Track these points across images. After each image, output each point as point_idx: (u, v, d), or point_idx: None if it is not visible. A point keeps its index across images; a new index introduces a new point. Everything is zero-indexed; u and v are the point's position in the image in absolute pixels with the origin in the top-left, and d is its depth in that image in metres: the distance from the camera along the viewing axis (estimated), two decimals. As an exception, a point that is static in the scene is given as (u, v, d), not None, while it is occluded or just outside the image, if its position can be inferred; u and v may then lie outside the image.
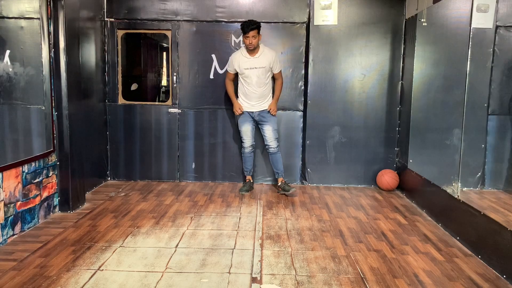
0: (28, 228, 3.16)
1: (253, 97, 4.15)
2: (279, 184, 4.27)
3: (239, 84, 4.25)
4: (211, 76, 4.59)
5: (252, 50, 4.07)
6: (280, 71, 4.23)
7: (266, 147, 4.29)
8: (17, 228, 3.03)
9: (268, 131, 4.21)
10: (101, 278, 2.42)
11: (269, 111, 4.19)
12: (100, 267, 2.56)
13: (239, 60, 4.12)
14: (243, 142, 4.31)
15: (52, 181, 3.50)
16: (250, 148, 4.31)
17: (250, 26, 3.94)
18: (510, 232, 2.47)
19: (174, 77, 4.60)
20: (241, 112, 4.18)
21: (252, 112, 4.21)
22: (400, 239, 3.10)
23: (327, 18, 4.43)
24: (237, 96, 4.29)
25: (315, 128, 4.56)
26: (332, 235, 3.17)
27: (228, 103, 4.59)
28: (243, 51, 4.15)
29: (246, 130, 4.25)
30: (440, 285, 2.42)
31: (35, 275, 2.43)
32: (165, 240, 3.00)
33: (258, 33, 4.02)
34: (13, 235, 2.99)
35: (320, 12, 4.42)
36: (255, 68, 4.08)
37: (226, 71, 4.32)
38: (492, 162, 3.56)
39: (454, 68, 3.30)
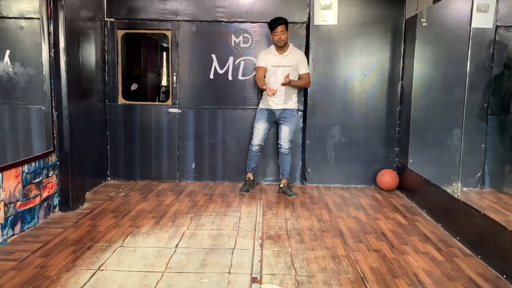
0: (28, 228, 3.16)
1: (277, 95, 4.08)
2: (282, 185, 4.27)
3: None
4: (211, 76, 4.59)
5: (281, 47, 4.06)
6: (308, 73, 4.16)
7: (278, 146, 4.27)
8: (17, 228, 3.03)
9: (285, 131, 4.19)
10: (101, 278, 2.42)
11: (288, 112, 4.13)
12: (100, 267, 2.56)
13: (268, 57, 4.10)
14: (252, 139, 4.27)
15: (52, 181, 3.50)
16: (258, 148, 4.28)
17: (277, 21, 3.97)
18: (510, 232, 2.47)
19: (174, 77, 4.60)
20: (275, 92, 3.90)
21: (275, 110, 4.16)
22: (400, 239, 3.10)
23: (327, 18, 4.43)
24: (261, 96, 4.29)
25: (315, 128, 4.56)
26: (332, 235, 3.17)
27: (227, 103, 4.60)
28: (271, 49, 4.14)
29: (260, 129, 4.22)
30: (440, 285, 2.42)
31: (35, 275, 2.43)
32: (165, 240, 3.00)
33: (287, 29, 4.02)
34: (13, 235, 2.99)
35: (320, 12, 4.42)
36: (283, 66, 4.07)
37: (255, 68, 4.21)
38: (492, 162, 3.56)
39: (454, 68, 3.30)
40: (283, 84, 3.91)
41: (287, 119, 4.18)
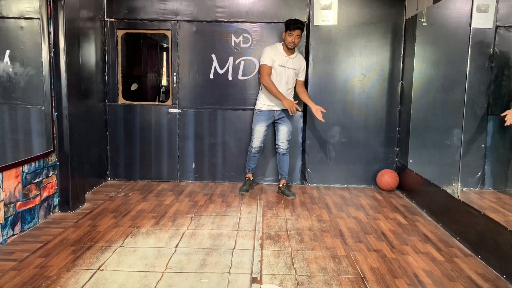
0: (28, 228, 3.16)
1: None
2: (281, 186, 4.27)
3: None
4: (211, 76, 4.59)
5: (291, 49, 4.02)
6: (303, 81, 4.20)
7: (276, 146, 4.27)
8: (17, 228, 3.03)
9: (283, 131, 4.19)
10: (101, 278, 2.42)
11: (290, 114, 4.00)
12: (100, 267, 2.56)
13: (275, 55, 4.02)
14: (252, 141, 4.27)
15: (52, 181, 3.50)
16: (257, 149, 4.28)
17: (297, 23, 3.87)
18: (510, 232, 2.47)
19: (174, 77, 4.60)
20: (299, 110, 4.08)
21: (274, 111, 4.15)
22: (400, 239, 3.10)
23: (327, 18, 4.43)
24: (258, 95, 4.25)
25: (315, 128, 4.56)
26: (332, 235, 3.17)
27: (227, 103, 4.60)
28: (278, 46, 4.07)
29: (259, 131, 4.20)
30: (440, 285, 2.42)
31: (35, 275, 2.43)
32: (165, 240, 3.00)
33: (301, 35, 3.98)
34: (13, 235, 2.99)
35: (320, 12, 4.42)
36: (288, 68, 4.05)
37: (262, 66, 4.01)
38: (492, 162, 3.56)
39: (454, 68, 3.30)
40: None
41: (285, 119, 4.19)
